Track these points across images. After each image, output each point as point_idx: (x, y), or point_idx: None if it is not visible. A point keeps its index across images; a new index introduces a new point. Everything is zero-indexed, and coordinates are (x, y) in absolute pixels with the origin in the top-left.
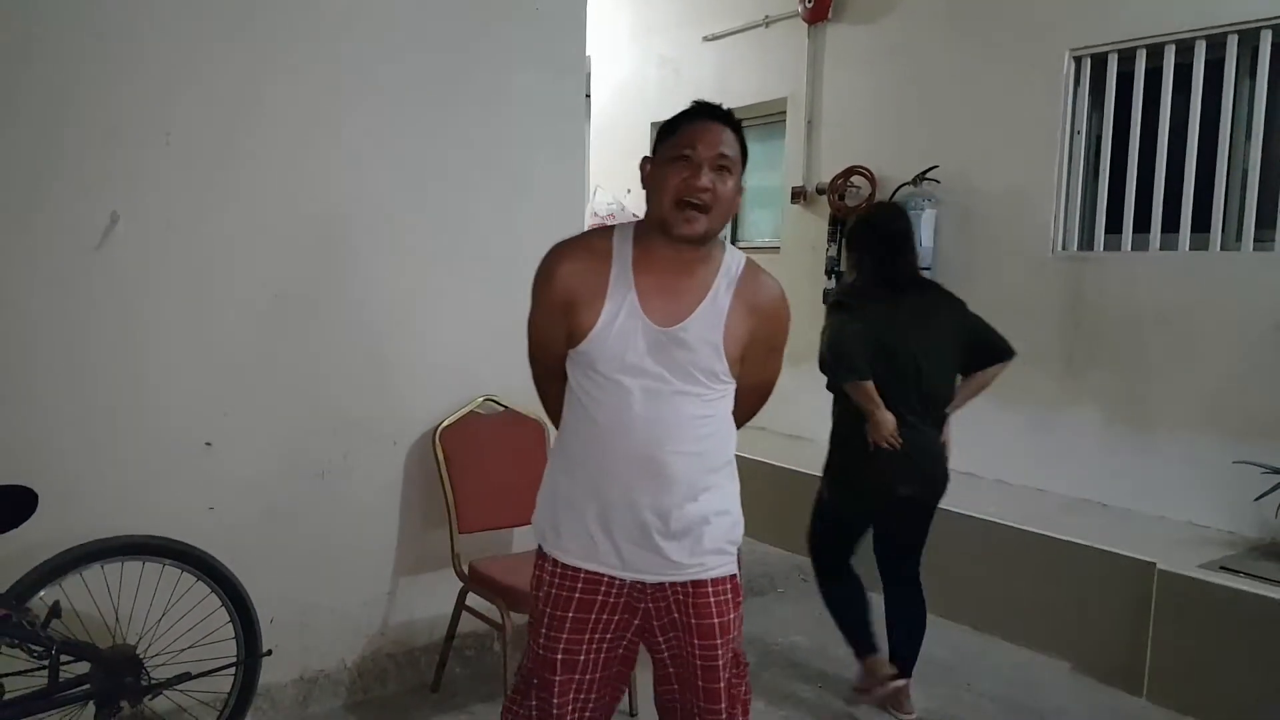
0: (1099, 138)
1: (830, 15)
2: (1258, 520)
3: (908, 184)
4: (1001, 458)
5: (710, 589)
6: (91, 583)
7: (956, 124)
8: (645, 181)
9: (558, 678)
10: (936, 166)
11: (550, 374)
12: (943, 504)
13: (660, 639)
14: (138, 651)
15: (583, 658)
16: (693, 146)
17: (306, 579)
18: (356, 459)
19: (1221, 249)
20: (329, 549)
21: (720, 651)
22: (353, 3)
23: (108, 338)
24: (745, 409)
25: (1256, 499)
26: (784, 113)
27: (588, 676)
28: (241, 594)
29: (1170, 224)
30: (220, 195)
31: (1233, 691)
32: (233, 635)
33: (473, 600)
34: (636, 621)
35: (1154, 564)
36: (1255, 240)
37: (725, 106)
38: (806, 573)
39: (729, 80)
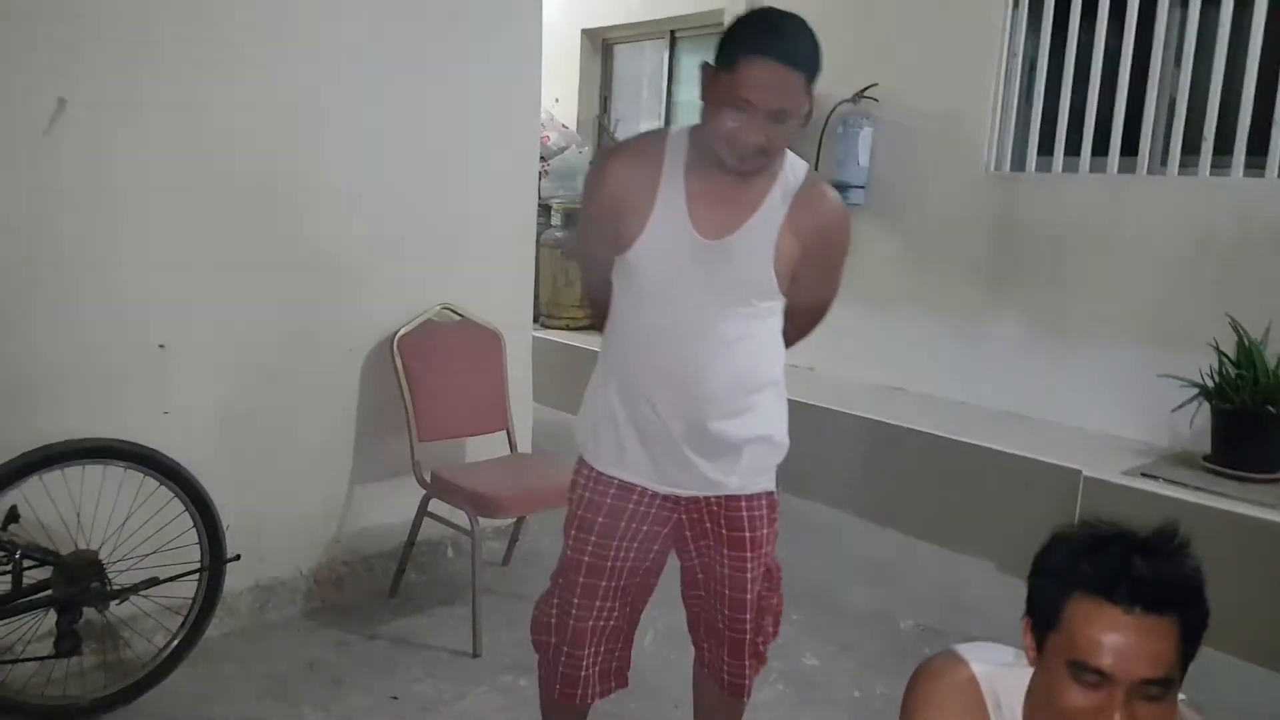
0: (1034, 60)
1: None
2: (1169, 431)
3: (847, 101)
4: (929, 372)
5: (744, 504)
6: (51, 487)
7: (896, 43)
8: (703, 94)
9: (581, 579)
10: (876, 85)
11: (600, 282)
12: (874, 415)
13: (691, 547)
14: (100, 557)
15: (609, 563)
16: (751, 94)
17: (263, 486)
18: (313, 366)
19: (1149, 173)
20: (285, 456)
21: (750, 565)
22: None
23: (57, 233)
24: (798, 328)
25: (1174, 410)
26: (721, 24)
27: (612, 584)
28: (205, 499)
29: (1100, 147)
30: (177, 88)
31: None
32: (195, 541)
33: (434, 507)
34: (667, 531)
35: (1079, 471)
36: (1180, 165)
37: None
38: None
39: None
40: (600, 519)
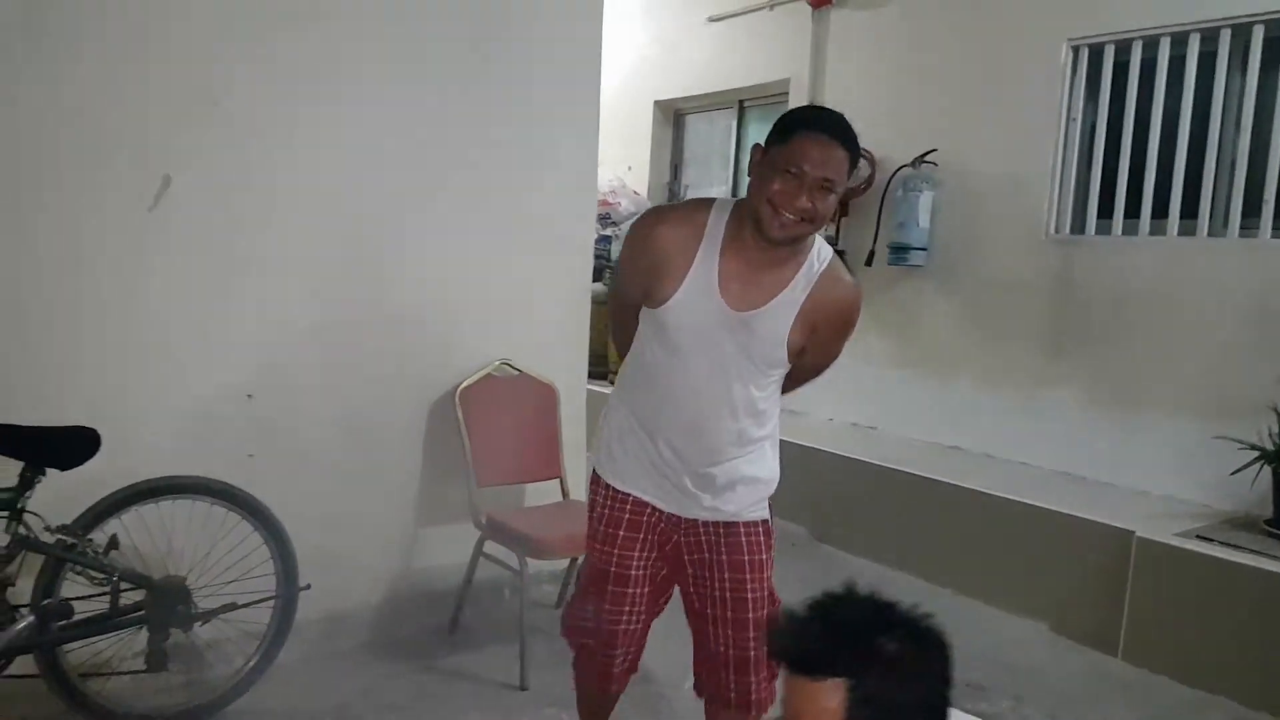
0: (1094, 125)
1: (834, 1)
2: (1232, 495)
3: (907, 166)
4: (988, 433)
5: (741, 529)
6: (146, 518)
7: (956, 109)
8: (751, 169)
9: (610, 588)
10: (935, 150)
11: (624, 320)
12: (930, 474)
13: (689, 572)
14: (187, 583)
15: (633, 572)
16: (799, 165)
17: (335, 524)
18: (384, 416)
19: (1209, 235)
20: (356, 498)
21: (750, 587)
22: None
23: (162, 295)
24: (797, 382)
25: (1233, 473)
26: (786, 94)
27: (637, 590)
28: (282, 532)
29: (1160, 210)
30: (266, 161)
31: (1205, 653)
32: (272, 571)
33: (490, 549)
34: (667, 549)
35: (1132, 531)
36: (1241, 228)
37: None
38: (796, 540)
39: (732, 61)
40: (621, 533)
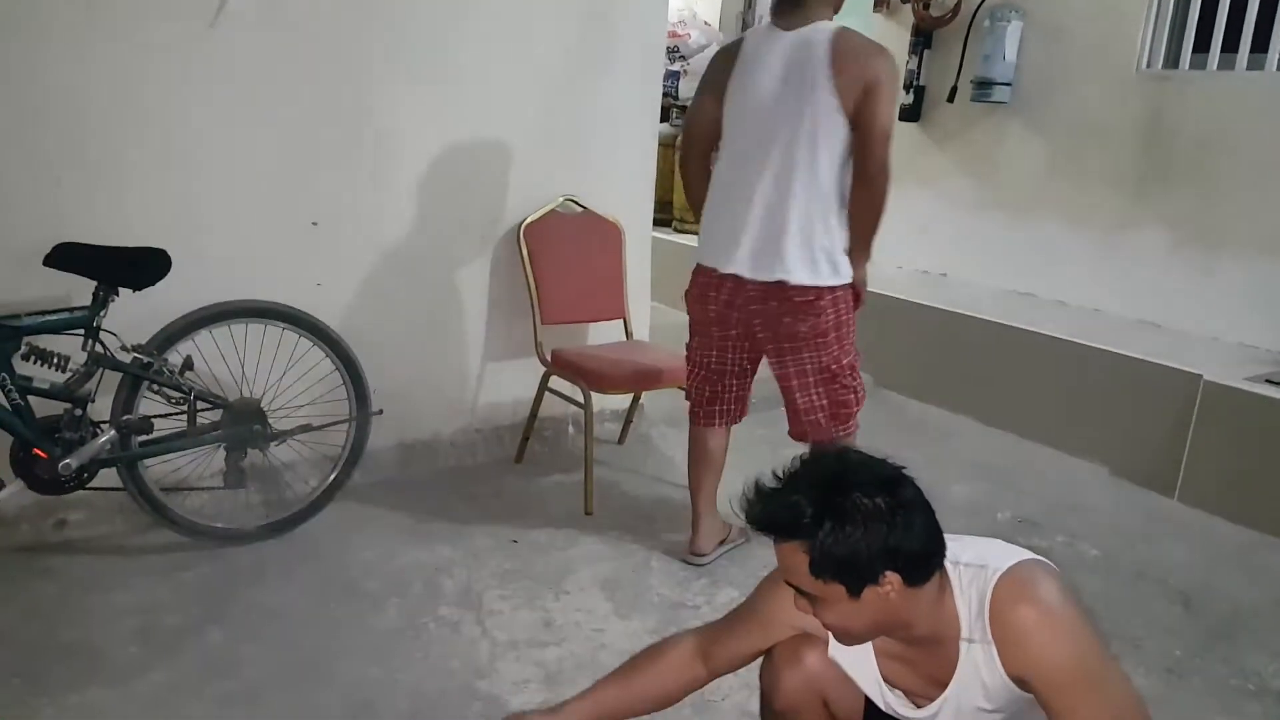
0: None
1: None
2: None
3: None
4: (1063, 279)
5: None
6: (220, 342)
7: None
8: None
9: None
10: None
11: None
12: (997, 318)
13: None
14: (262, 405)
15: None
16: None
17: (405, 357)
18: (450, 251)
19: None
20: (425, 331)
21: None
22: None
23: (225, 118)
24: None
25: None
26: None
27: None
28: (353, 358)
29: (1259, 44)
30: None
31: (1262, 495)
32: (344, 397)
33: (555, 384)
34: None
35: (1200, 375)
36: None
37: None
38: None
39: None
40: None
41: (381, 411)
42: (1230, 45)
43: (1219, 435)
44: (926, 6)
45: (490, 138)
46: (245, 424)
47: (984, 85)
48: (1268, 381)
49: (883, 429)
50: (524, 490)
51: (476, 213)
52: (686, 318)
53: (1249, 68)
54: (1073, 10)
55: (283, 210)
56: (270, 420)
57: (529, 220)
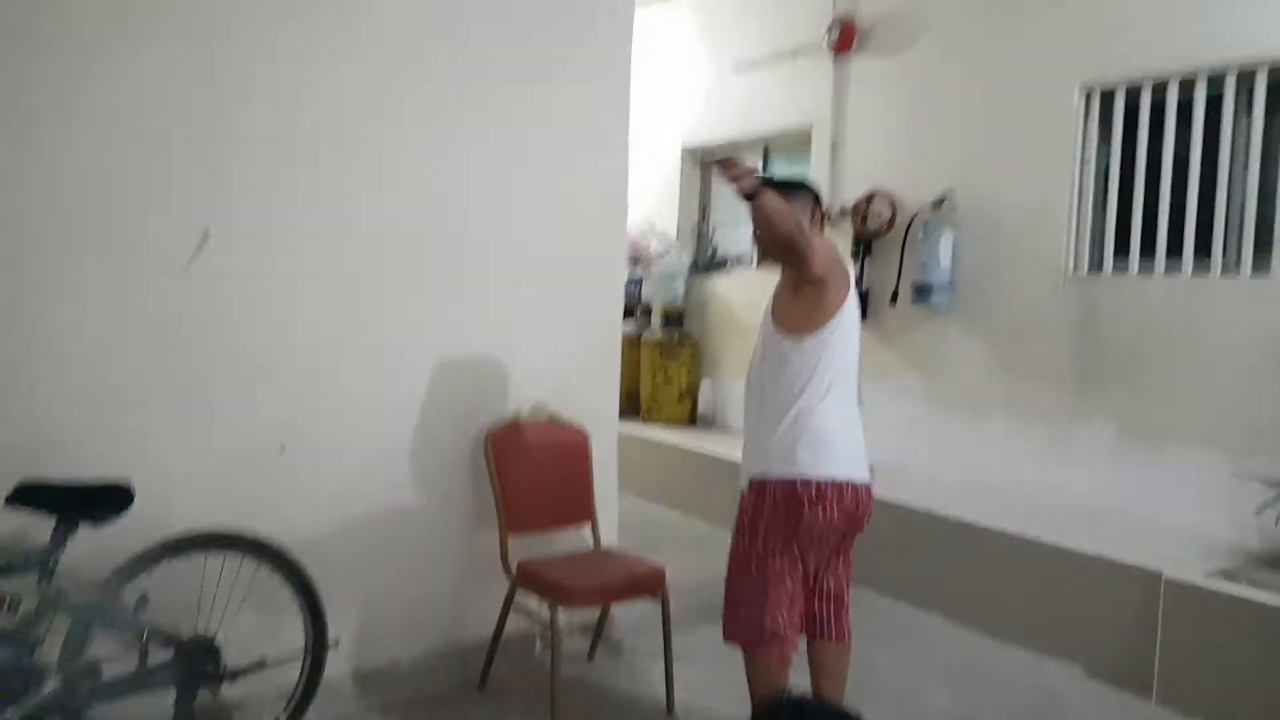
0: (1107, 167)
1: (854, 47)
2: (1259, 530)
3: (927, 207)
4: (1017, 470)
5: None
6: (177, 572)
7: (974, 151)
8: None
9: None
10: (954, 190)
11: None
12: (959, 515)
13: None
14: (215, 640)
15: None
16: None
17: (366, 578)
18: (416, 466)
19: (1221, 274)
20: (388, 551)
21: None
22: (422, 47)
23: (197, 349)
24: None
25: (1257, 511)
26: (810, 138)
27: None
28: (312, 587)
29: (1174, 249)
30: (298, 208)
31: (1238, 694)
32: (301, 627)
33: (521, 599)
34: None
35: (1160, 573)
36: (1253, 266)
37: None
38: None
39: (757, 107)
40: None
41: (338, 643)
42: (1147, 251)
43: (1188, 633)
44: (864, 220)
45: (457, 351)
46: (197, 663)
47: (923, 290)
48: (1226, 578)
49: (853, 628)
50: None
51: (443, 425)
52: (656, 507)
53: (1166, 271)
54: (999, 223)
55: (249, 435)
56: (223, 656)
57: (494, 430)
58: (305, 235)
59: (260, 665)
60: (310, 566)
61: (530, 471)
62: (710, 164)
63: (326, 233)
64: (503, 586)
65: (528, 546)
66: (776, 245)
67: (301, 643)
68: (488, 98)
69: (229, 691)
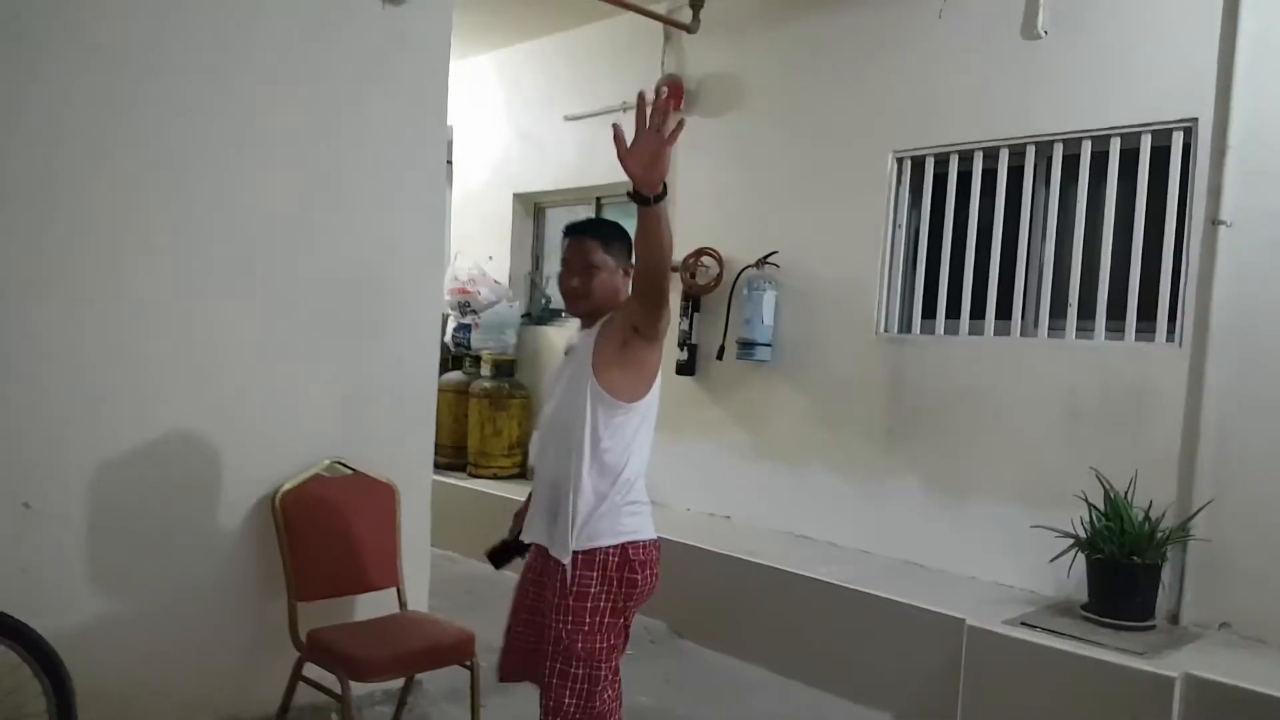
0: (918, 231)
1: (682, 107)
2: (1054, 580)
3: (751, 266)
4: (833, 521)
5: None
6: None
7: (794, 213)
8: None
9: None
10: (776, 252)
11: None
12: (778, 564)
13: None
14: None
15: None
16: (565, 259)
17: (131, 647)
18: (190, 525)
19: (1021, 335)
20: (156, 615)
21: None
22: (229, 81)
23: None
24: (637, 300)
25: (1051, 560)
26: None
27: None
28: (56, 662)
29: (977, 311)
30: (57, 252)
31: None
32: (44, 709)
33: (313, 671)
34: None
35: (963, 620)
36: (1049, 329)
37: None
38: (655, 635)
39: (589, 158)
40: None
41: None
42: (953, 312)
43: (987, 678)
44: (694, 275)
45: (244, 394)
46: None
47: (747, 346)
48: (1023, 625)
49: (677, 684)
50: None
51: (226, 481)
52: (481, 564)
53: (970, 332)
54: (818, 281)
55: None
56: None
57: (286, 487)
58: (68, 275)
59: None
60: (59, 640)
61: (327, 533)
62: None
63: (100, 256)
64: (294, 656)
65: (326, 611)
66: (647, 273)
67: None
68: (290, 125)
69: None
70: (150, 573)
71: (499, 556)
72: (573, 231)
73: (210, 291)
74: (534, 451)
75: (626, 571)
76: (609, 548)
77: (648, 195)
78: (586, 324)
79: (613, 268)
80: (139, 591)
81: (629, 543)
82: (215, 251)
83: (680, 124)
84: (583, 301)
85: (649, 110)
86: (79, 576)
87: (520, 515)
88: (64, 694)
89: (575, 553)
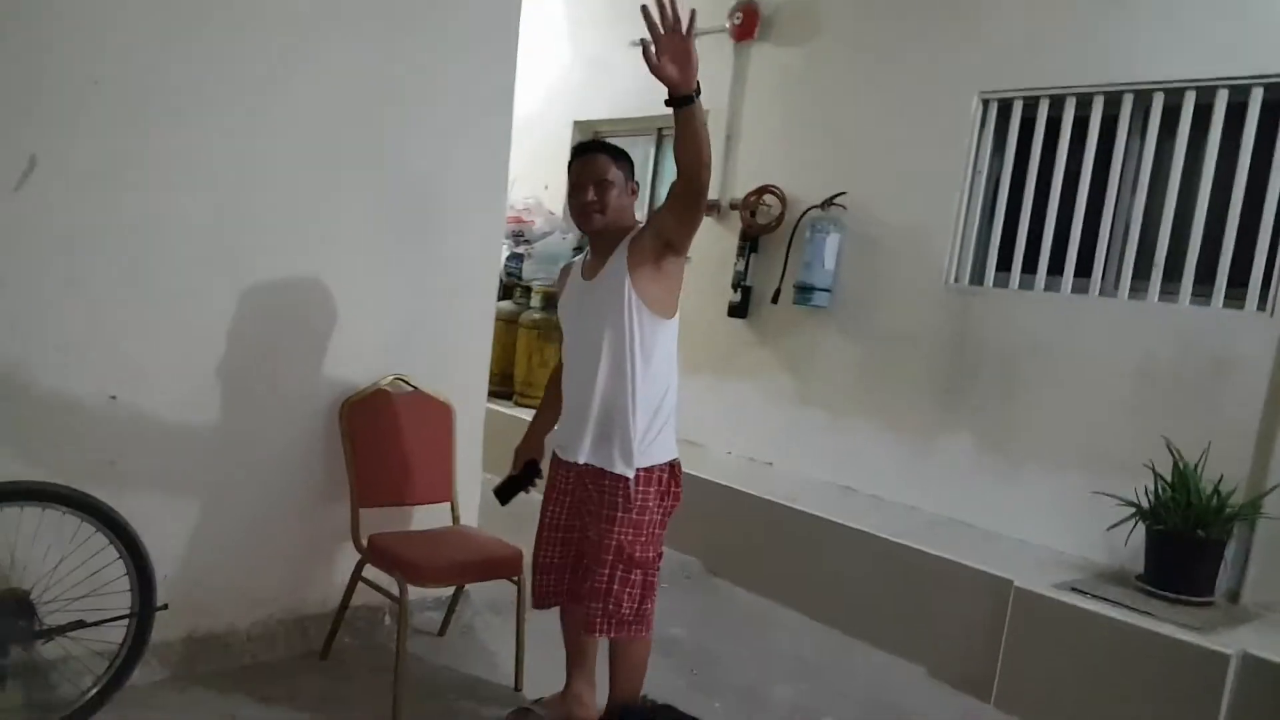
0: (998, 179)
1: (756, 35)
2: (1110, 548)
3: (816, 207)
4: (881, 475)
5: (606, 480)
6: None
7: (867, 154)
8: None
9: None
10: (844, 193)
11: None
12: (821, 513)
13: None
14: (31, 597)
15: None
16: (575, 178)
17: (204, 539)
18: (262, 426)
19: (1100, 294)
20: (230, 512)
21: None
22: None
23: (20, 283)
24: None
25: (1109, 528)
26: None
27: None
28: (139, 547)
29: (1056, 267)
30: (145, 149)
31: (1074, 703)
32: (128, 588)
33: (371, 573)
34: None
35: (1011, 581)
36: (1131, 289)
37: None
38: (691, 571)
39: (654, 85)
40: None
41: (166, 606)
42: (1029, 266)
43: (1031, 641)
44: (754, 214)
45: (314, 309)
46: (9, 618)
47: (805, 290)
48: (1073, 590)
49: (710, 619)
50: (327, 693)
51: (293, 386)
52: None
53: (1046, 288)
54: (886, 227)
55: (76, 381)
56: (40, 613)
57: (352, 398)
58: (155, 176)
59: (79, 624)
60: (141, 525)
61: (388, 444)
62: (657, 9)
63: (175, 174)
64: (353, 556)
65: (382, 519)
66: (685, 181)
67: (127, 603)
68: (356, 50)
69: (45, 651)
70: (224, 472)
71: (506, 493)
72: (583, 150)
73: (285, 205)
74: (570, 375)
75: (673, 485)
76: (662, 464)
77: (687, 93)
78: (598, 246)
79: (623, 184)
80: (213, 489)
81: (674, 459)
82: (288, 164)
83: (693, 15)
84: (598, 216)
85: (659, 14)
86: (159, 470)
87: (521, 451)
88: (145, 575)
89: (639, 470)
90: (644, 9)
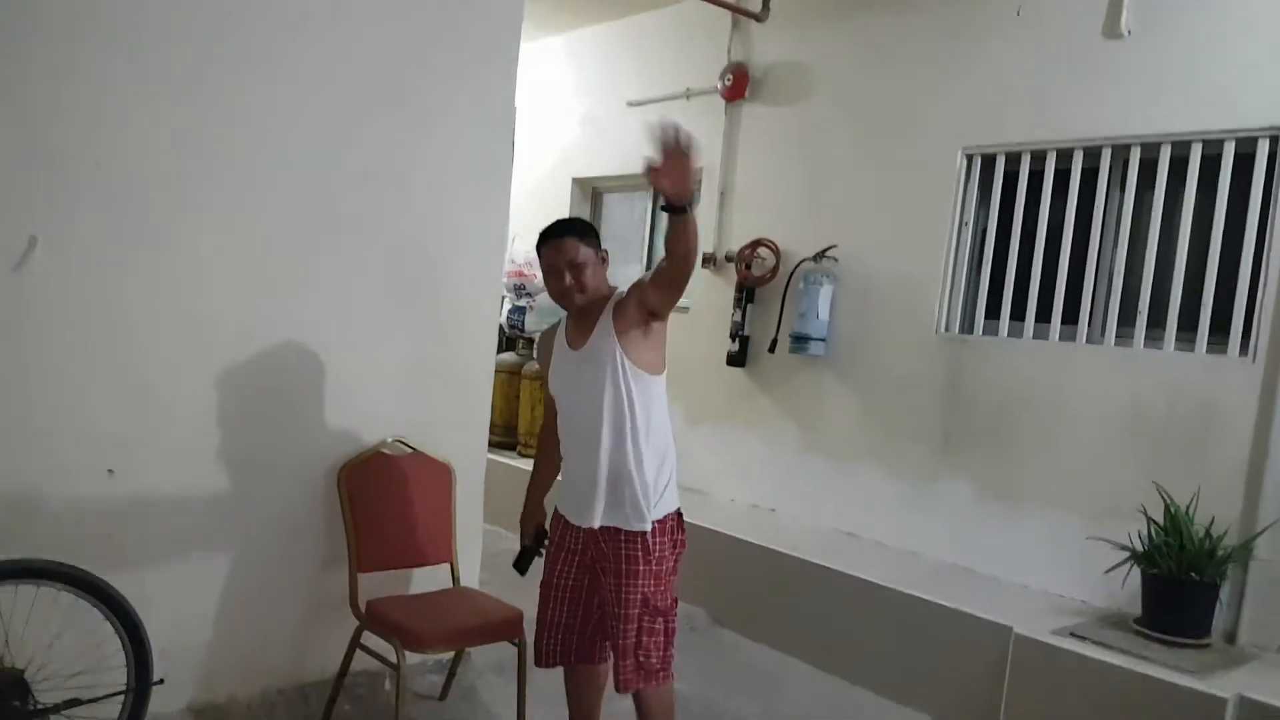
0: (984, 231)
1: (747, 95)
2: (1107, 592)
3: (809, 260)
4: (882, 521)
5: (623, 537)
6: None
7: (857, 207)
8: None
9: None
10: (835, 245)
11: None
12: (824, 561)
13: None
14: (25, 675)
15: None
16: (550, 265)
17: (202, 611)
18: (260, 494)
19: (1087, 341)
20: (227, 582)
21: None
22: (286, 55)
23: (17, 359)
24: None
25: (1106, 572)
26: (699, 182)
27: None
28: (135, 621)
29: (1043, 315)
30: (143, 227)
31: None
32: (124, 663)
33: (370, 639)
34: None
35: (1011, 628)
36: (1116, 336)
37: (561, 221)
38: (696, 623)
39: (649, 146)
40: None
41: (162, 680)
42: (1017, 315)
43: (1032, 687)
44: (749, 266)
45: (312, 374)
46: (3, 698)
47: (801, 340)
48: (1073, 635)
49: (717, 673)
50: None
51: (296, 454)
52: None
53: (1034, 336)
54: (877, 278)
55: (76, 458)
56: (34, 691)
57: (351, 462)
58: (152, 249)
59: (74, 703)
60: (138, 599)
61: (387, 507)
62: (662, 133)
63: (168, 243)
64: (352, 622)
65: (383, 580)
66: (674, 268)
67: (123, 679)
68: (355, 113)
69: None
70: (222, 541)
71: (523, 564)
72: (550, 235)
73: (280, 272)
74: (572, 445)
75: (679, 533)
76: (669, 514)
77: (681, 205)
78: (579, 316)
79: (594, 259)
80: (211, 558)
81: (679, 507)
82: (284, 232)
83: (690, 140)
84: (579, 296)
85: (667, 137)
86: (156, 542)
87: (526, 519)
88: (141, 650)
89: (654, 522)
90: (654, 127)
